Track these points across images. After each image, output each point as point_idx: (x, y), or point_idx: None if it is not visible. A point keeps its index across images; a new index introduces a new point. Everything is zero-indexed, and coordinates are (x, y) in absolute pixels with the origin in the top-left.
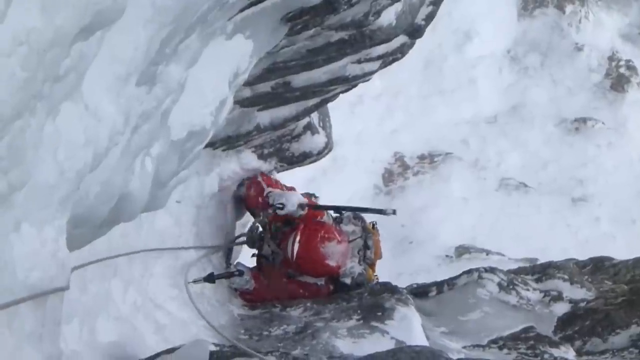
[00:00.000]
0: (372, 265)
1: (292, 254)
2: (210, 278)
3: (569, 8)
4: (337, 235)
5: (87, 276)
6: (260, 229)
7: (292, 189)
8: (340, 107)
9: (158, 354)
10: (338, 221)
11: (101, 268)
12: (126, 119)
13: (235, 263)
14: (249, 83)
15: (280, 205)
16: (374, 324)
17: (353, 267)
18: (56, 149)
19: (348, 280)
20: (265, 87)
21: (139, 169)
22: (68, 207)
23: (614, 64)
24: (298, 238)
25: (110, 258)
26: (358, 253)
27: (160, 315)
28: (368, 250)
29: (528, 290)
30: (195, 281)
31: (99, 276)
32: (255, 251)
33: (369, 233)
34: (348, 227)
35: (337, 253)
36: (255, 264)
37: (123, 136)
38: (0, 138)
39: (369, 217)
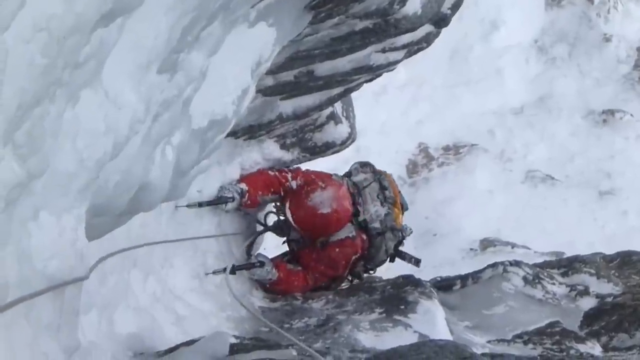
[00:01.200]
0: (396, 204)
1: (292, 223)
2: (231, 270)
3: None
4: (318, 184)
5: (106, 267)
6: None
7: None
8: (364, 97)
9: (177, 346)
10: (347, 175)
11: (120, 258)
12: (147, 107)
13: (256, 254)
14: (271, 71)
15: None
16: (397, 317)
17: (377, 210)
18: (76, 136)
19: (377, 224)
20: (288, 75)
21: (160, 158)
22: (87, 195)
23: None
24: (288, 205)
25: (139, 247)
26: (378, 197)
27: (180, 307)
28: (386, 190)
29: (554, 284)
30: (215, 272)
31: (118, 267)
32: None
33: (381, 175)
34: (359, 177)
35: (326, 199)
36: (284, 253)
37: (143, 124)
38: (20, 125)
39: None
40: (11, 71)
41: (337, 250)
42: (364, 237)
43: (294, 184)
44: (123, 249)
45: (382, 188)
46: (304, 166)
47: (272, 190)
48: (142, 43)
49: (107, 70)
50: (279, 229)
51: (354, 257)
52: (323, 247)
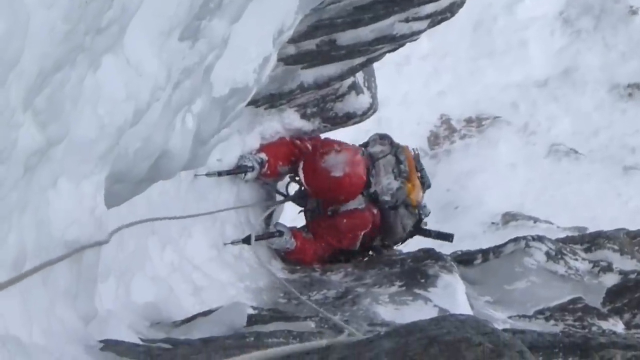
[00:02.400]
0: (410, 179)
1: (303, 184)
2: (249, 240)
3: None
4: (334, 146)
5: (124, 234)
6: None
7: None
8: (385, 67)
9: (194, 316)
10: (364, 145)
11: (138, 227)
12: (168, 74)
13: (274, 224)
14: (293, 40)
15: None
16: (417, 290)
17: (390, 183)
18: (96, 103)
19: (388, 197)
20: (310, 44)
21: (180, 126)
22: (107, 162)
23: None
24: (301, 165)
25: (159, 219)
26: (393, 171)
27: (197, 276)
28: (401, 164)
29: (577, 260)
30: (234, 243)
31: (136, 234)
32: (300, 209)
33: (398, 148)
34: (375, 149)
35: (340, 162)
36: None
37: (164, 92)
38: (40, 91)
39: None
40: (32, 37)
41: (344, 221)
42: (375, 211)
43: None
44: (145, 220)
45: (398, 162)
46: (325, 136)
47: (292, 160)
48: (164, 9)
49: (128, 36)
50: (299, 198)
51: (362, 232)
52: (332, 215)
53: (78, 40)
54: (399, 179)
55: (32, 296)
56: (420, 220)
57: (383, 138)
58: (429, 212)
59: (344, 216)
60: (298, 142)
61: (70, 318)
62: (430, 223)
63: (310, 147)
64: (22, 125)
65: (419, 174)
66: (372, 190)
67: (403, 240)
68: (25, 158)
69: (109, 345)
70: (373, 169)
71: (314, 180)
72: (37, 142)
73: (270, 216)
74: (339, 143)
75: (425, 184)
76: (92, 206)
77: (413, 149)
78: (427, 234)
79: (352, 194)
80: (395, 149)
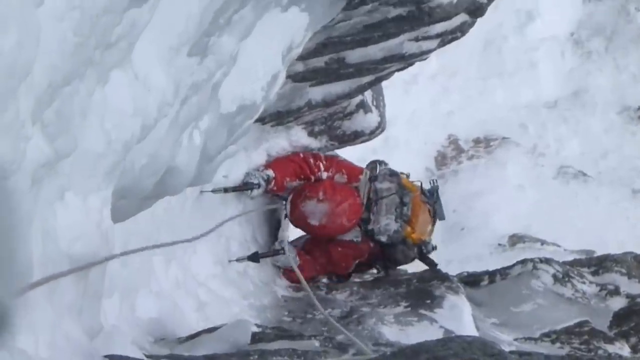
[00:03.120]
0: (410, 223)
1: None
2: (254, 257)
3: None
4: (317, 194)
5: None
6: None
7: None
8: (394, 86)
9: (198, 333)
10: (372, 179)
11: (144, 242)
12: (176, 90)
13: (279, 241)
14: (302, 57)
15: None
16: (423, 311)
17: (389, 224)
18: (104, 117)
19: (384, 238)
20: (318, 62)
21: (187, 142)
22: (114, 177)
23: None
24: (290, 198)
25: (166, 245)
26: (395, 210)
27: (202, 293)
28: (404, 207)
29: (584, 283)
30: (239, 260)
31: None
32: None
33: (405, 190)
34: (383, 185)
35: (318, 212)
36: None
37: (172, 107)
38: (49, 104)
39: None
40: (43, 48)
41: (339, 249)
42: (371, 244)
43: (324, 174)
44: (152, 246)
45: (402, 203)
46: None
47: (301, 177)
48: (173, 25)
49: (137, 51)
50: None
51: (356, 261)
52: (329, 242)
53: (88, 54)
54: (399, 221)
55: (37, 310)
56: (423, 253)
57: (392, 175)
58: (433, 249)
59: (339, 244)
60: (311, 160)
61: (75, 332)
62: (436, 244)
63: (322, 169)
64: (31, 138)
65: (431, 208)
66: (369, 227)
67: (407, 263)
68: (33, 170)
69: None
70: (375, 206)
71: (293, 217)
72: (45, 155)
73: (276, 232)
74: (329, 190)
75: (437, 217)
76: (98, 220)
77: (432, 180)
78: (430, 264)
79: (332, 236)
80: (402, 191)
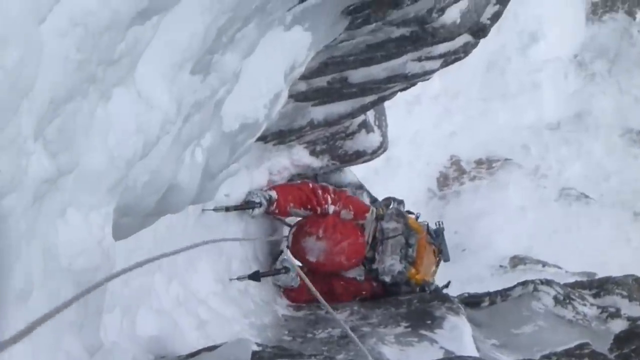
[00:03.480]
0: (415, 265)
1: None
2: (255, 276)
3: (639, 15)
4: (317, 231)
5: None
6: None
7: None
8: (396, 106)
9: (199, 351)
10: (379, 218)
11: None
12: (179, 108)
13: (280, 260)
14: (304, 77)
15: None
16: (423, 332)
17: (393, 265)
18: (107, 134)
19: (388, 279)
20: (321, 81)
21: (189, 160)
22: (116, 194)
23: None
24: (293, 230)
25: (162, 257)
26: (400, 251)
27: (202, 311)
28: (410, 248)
29: (585, 305)
30: (239, 278)
31: (142, 268)
32: None
33: (411, 231)
34: (389, 225)
35: (316, 250)
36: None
37: (174, 125)
38: (51, 120)
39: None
40: (46, 65)
41: (341, 283)
42: (374, 284)
43: (331, 208)
44: (152, 258)
45: (407, 245)
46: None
47: (307, 206)
48: (176, 42)
49: (140, 68)
50: None
51: (356, 298)
52: (331, 274)
53: (91, 71)
54: (404, 262)
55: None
56: (425, 290)
57: (399, 215)
58: (435, 287)
59: (342, 279)
60: (320, 192)
61: (76, 349)
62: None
63: (329, 202)
64: (32, 154)
65: (436, 248)
66: (374, 267)
67: None
68: (35, 187)
69: None
70: (380, 246)
71: (294, 250)
72: (47, 171)
73: (276, 255)
74: (329, 229)
75: (443, 257)
76: (100, 237)
77: (438, 222)
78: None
79: (332, 272)
80: (408, 232)
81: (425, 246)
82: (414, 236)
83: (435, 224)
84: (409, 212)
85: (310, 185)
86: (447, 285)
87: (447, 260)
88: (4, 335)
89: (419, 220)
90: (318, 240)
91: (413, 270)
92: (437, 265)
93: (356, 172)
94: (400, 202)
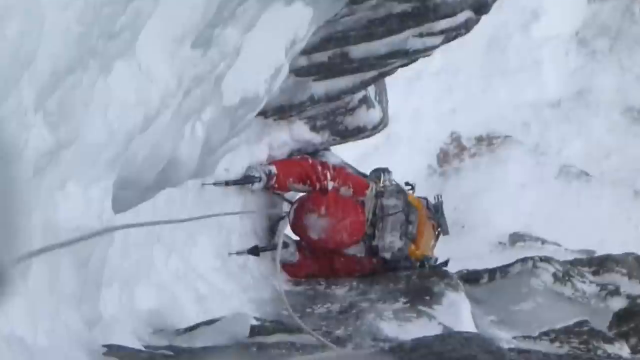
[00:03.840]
0: (415, 241)
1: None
2: (254, 250)
3: None
4: (320, 209)
5: (129, 241)
6: None
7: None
8: (397, 82)
9: (197, 325)
10: (379, 195)
11: (144, 234)
12: (179, 82)
13: (278, 235)
14: (305, 52)
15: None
16: (422, 308)
17: (393, 241)
18: (107, 107)
19: (388, 255)
20: (322, 56)
21: (189, 134)
22: (115, 168)
23: None
24: (294, 206)
25: (165, 223)
26: (400, 228)
27: (201, 286)
28: (410, 225)
29: (584, 282)
30: (239, 253)
31: (141, 242)
32: None
33: (411, 208)
34: (389, 201)
35: (318, 227)
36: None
37: (175, 99)
38: (52, 93)
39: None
40: (46, 37)
41: (342, 260)
42: (374, 260)
43: (330, 185)
44: (152, 222)
45: (408, 221)
46: (332, 150)
47: (306, 182)
48: (177, 16)
49: (141, 42)
50: None
51: (356, 273)
52: (332, 250)
53: (91, 44)
54: (404, 238)
55: (37, 298)
56: (424, 265)
57: (400, 192)
58: (435, 262)
59: (342, 256)
60: (319, 167)
61: (75, 322)
62: (437, 244)
63: (329, 178)
64: (33, 126)
65: (435, 223)
66: (374, 243)
67: None
68: (35, 159)
69: (112, 350)
70: (380, 223)
71: (295, 227)
72: (47, 144)
73: (275, 229)
74: (332, 205)
75: (442, 231)
76: (99, 211)
77: (437, 196)
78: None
79: (333, 249)
80: (408, 209)
81: (425, 222)
82: (414, 213)
83: (434, 198)
84: (407, 184)
85: (310, 161)
86: (445, 263)
87: (446, 233)
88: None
89: (414, 190)
90: (320, 217)
91: (413, 247)
92: (437, 239)
93: (355, 149)
94: (385, 171)
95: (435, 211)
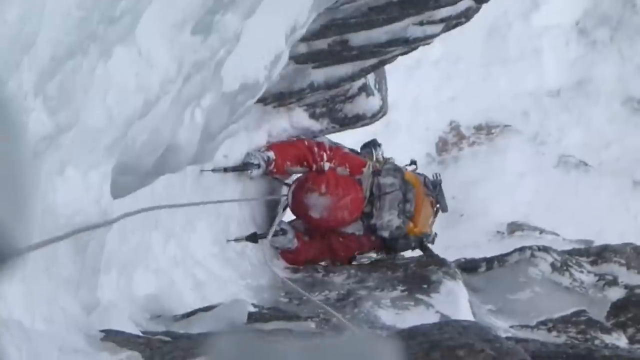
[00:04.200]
0: (413, 219)
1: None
2: (252, 237)
3: None
4: (320, 187)
5: (127, 227)
6: None
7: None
8: (397, 71)
9: (195, 311)
10: (376, 174)
11: (142, 219)
12: (179, 67)
13: (278, 222)
14: (305, 39)
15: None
16: (419, 296)
17: (391, 220)
18: (106, 92)
19: (386, 234)
20: (322, 43)
21: (189, 120)
22: (114, 153)
23: None
24: (292, 188)
25: (163, 207)
26: (398, 206)
27: (199, 272)
28: (407, 203)
29: (582, 272)
30: (237, 240)
31: (139, 227)
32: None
33: (408, 185)
34: (386, 180)
35: (319, 205)
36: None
37: (174, 85)
38: (52, 77)
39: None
40: (47, 21)
41: (340, 240)
42: (372, 238)
43: (327, 165)
44: (149, 208)
45: (405, 200)
46: (331, 138)
47: (303, 163)
48: (177, 1)
49: (141, 27)
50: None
51: (355, 252)
52: (330, 231)
53: (91, 28)
54: (402, 217)
55: (35, 282)
56: (423, 244)
57: (397, 170)
58: (433, 239)
59: (340, 235)
60: (315, 148)
61: (72, 307)
62: (435, 229)
63: (325, 159)
64: (32, 110)
65: (434, 200)
66: (372, 222)
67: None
68: (35, 143)
69: (109, 335)
70: (378, 201)
71: (294, 207)
72: (46, 128)
73: (274, 216)
74: (332, 184)
75: (441, 208)
76: (98, 196)
77: (435, 174)
78: (429, 255)
79: (333, 228)
80: (405, 187)
81: (422, 199)
82: (411, 191)
83: (433, 175)
84: (412, 163)
85: (306, 142)
86: (433, 240)
87: (445, 211)
88: None
89: (417, 166)
90: (321, 196)
91: (411, 225)
92: (435, 215)
93: (355, 137)
94: (376, 144)
95: (434, 188)
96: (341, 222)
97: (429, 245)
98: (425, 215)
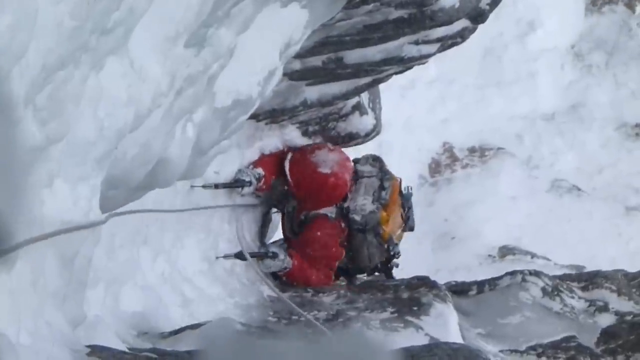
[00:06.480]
0: (387, 209)
1: (287, 175)
2: (241, 255)
3: (639, 8)
4: (327, 145)
5: (116, 242)
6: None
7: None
8: (390, 90)
9: (182, 329)
10: (355, 161)
11: (131, 235)
12: (171, 81)
13: (268, 244)
14: (299, 55)
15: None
16: (409, 318)
17: (365, 204)
18: (97, 104)
19: (358, 217)
20: (316, 60)
21: (180, 134)
22: (104, 166)
23: None
24: (289, 157)
25: (154, 211)
26: (372, 194)
27: (187, 289)
28: (383, 191)
29: (573, 298)
30: (226, 257)
31: (128, 242)
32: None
33: (386, 174)
34: (364, 167)
35: (330, 160)
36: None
37: (166, 98)
38: (42, 87)
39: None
40: (39, 31)
41: (318, 233)
42: (343, 225)
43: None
44: (142, 210)
45: (381, 187)
46: None
47: (281, 169)
48: (171, 14)
49: (134, 39)
50: (279, 199)
51: (337, 244)
52: (305, 225)
53: (84, 39)
54: (376, 203)
55: (21, 295)
56: (390, 259)
57: (375, 160)
58: (399, 254)
59: (315, 226)
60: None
61: (58, 321)
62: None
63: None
64: (22, 120)
65: (404, 211)
66: (345, 205)
67: (368, 273)
68: (23, 154)
69: (95, 350)
70: (354, 185)
71: (298, 172)
72: (35, 139)
73: (264, 234)
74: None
75: (407, 225)
76: (86, 209)
77: (407, 187)
78: (390, 277)
79: (333, 197)
80: (383, 175)
81: (397, 196)
82: (388, 180)
83: (405, 188)
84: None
85: (286, 150)
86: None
87: (411, 229)
88: None
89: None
90: (330, 151)
91: (384, 214)
92: (403, 230)
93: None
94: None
95: (406, 200)
96: (344, 184)
97: (393, 267)
98: (397, 217)
